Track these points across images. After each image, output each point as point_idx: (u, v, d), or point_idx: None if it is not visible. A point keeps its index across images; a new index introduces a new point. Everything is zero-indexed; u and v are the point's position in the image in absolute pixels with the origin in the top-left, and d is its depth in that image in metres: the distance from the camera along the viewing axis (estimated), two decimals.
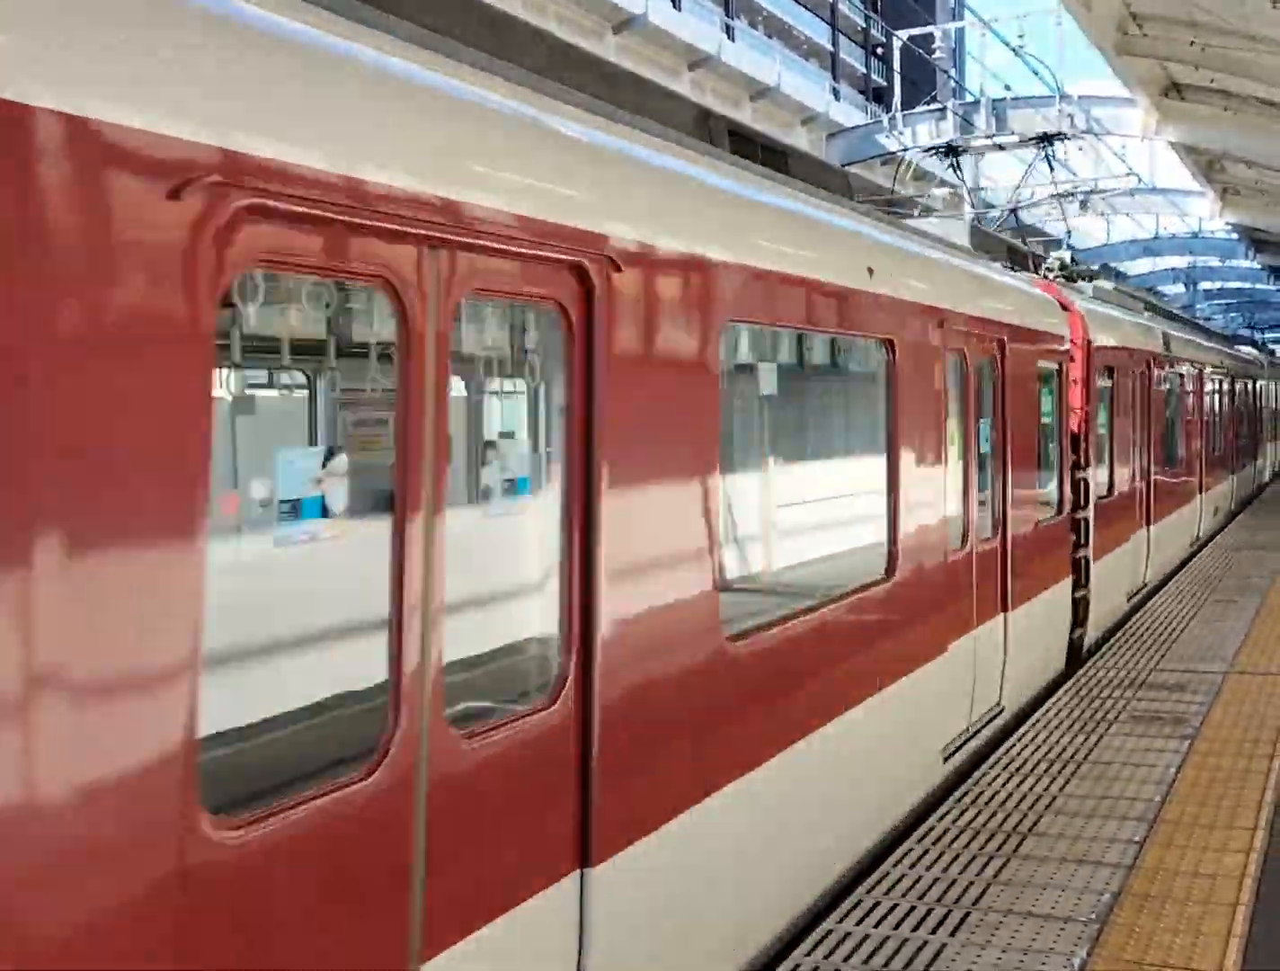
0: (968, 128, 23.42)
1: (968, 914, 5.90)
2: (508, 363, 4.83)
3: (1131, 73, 17.54)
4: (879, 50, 65.98)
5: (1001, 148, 19.16)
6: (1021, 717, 9.68)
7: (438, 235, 3.57)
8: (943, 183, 25.76)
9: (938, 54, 35.05)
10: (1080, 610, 12.05)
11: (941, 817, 7.23)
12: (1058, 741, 8.76)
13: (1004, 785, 7.81)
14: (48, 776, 2.51)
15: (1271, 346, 51.55)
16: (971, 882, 6.28)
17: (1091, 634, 12.55)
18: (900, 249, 7.88)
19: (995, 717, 9.13)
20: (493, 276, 3.85)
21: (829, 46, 61.86)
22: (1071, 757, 8.36)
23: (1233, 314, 51.67)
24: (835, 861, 6.47)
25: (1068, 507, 11.51)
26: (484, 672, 4.32)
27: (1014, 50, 23.99)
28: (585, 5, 30.04)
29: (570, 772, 4.21)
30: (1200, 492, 19.94)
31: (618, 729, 4.40)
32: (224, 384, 3.90)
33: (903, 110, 26.69)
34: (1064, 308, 11.77)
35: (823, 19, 61.67)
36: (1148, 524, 15.35)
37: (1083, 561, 12.10)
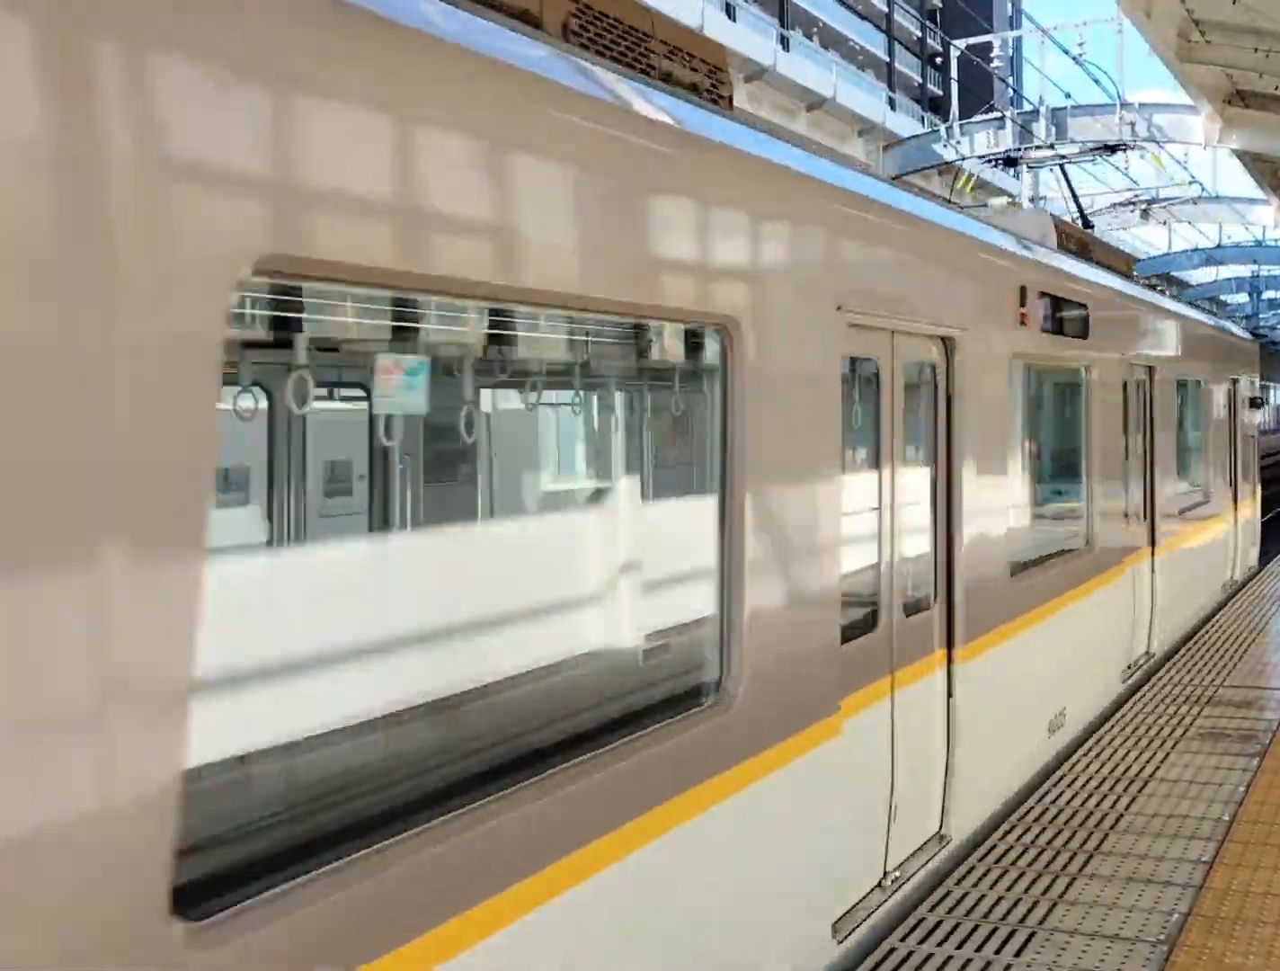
0: (1026, 137, 23.25)
1: (1033, 933, 5.84)
2: None
3: (1194, 80, 17.33)
4: (936, 60, 65.71)
5: (1064, 158, 18.92)
6: None
7: None
8: (1000, 192, 25.62)
9: (995, 63, 34.84)
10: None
11: (1004, 835, 7.16)
12: (1122, 758, 8.64)
13: (1068, 803, 7.73)
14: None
15: None
16: (1036, 901, 6.21)
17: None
18: None
19: None
20: None
21: (885, 57, 61.67)
22: (1137, 775, 8.25)
23: None
24: None
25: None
26: None
27: (1074, 59, 23.82)
28: None
29: None
30: None
31: None
32: None
33: (960, 120, 26.55)
34: None
35: (879, 29, 61.50)
36: None
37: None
